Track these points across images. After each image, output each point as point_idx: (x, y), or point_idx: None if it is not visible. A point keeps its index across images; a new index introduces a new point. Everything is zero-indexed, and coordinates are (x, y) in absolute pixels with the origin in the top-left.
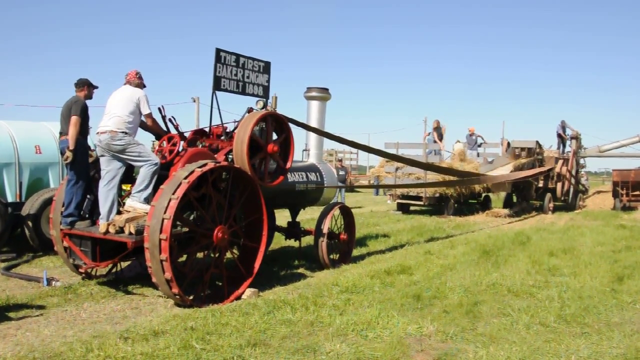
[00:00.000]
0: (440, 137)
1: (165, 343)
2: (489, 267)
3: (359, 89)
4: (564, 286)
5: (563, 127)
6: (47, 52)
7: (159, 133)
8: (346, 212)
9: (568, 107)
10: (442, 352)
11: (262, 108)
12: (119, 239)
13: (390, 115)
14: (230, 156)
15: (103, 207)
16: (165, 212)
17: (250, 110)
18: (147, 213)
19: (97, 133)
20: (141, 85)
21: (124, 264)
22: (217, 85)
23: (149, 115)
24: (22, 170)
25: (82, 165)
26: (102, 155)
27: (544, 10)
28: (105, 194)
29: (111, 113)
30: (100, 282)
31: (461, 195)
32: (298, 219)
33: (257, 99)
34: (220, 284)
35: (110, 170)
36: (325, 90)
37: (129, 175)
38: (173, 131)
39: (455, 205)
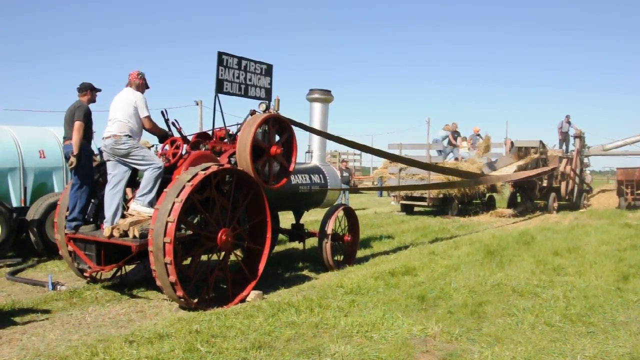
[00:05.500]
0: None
1: (170, 346)
2: (494, 267)
3: (362, 90)
4: (569, 285)
5: (568, 122)
6: (50, 56)
7: (160, 134)
8: (350, 214)
9: (572, 107)
10: (447, 352)
11: (265, 110)
12: (123, 243)
13: (394, 116)
14: (233, 159)
15: (108, 211)
16: (169, 215)
17: (253, 112)
18: (151, 216)
19: (103, 138)
20: (142, 85)
21: (129, 268)
22: (220, 88)
23: (147, 118)
24: (27, 175)
25: (86, 169)
26: (108, 160)
27: (548, 10)
28: (111, 197)
29: (113, 118)
30: (105, 285)
31: (465, 195)
32: (302, 220)
33: (260, 101)
34: (224, 286)
35: (116, 175)
36: (328, 92)
37: (133, 179)
38: (176, 134)
39: (459, 205)
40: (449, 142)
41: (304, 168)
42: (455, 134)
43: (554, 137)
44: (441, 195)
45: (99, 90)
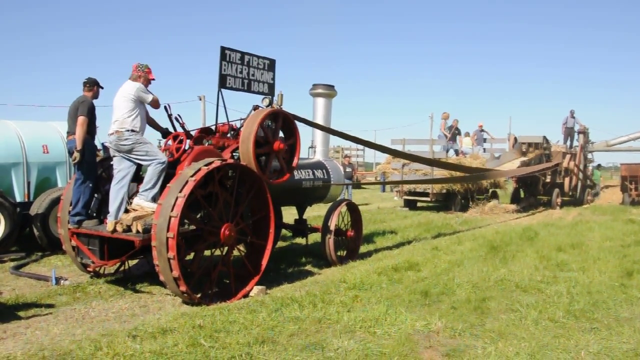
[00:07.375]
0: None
1: (174, 341)
2: (497, 263)
3: (365, 85)
4: (573, 281)
5: (572, 117)
6: (52, 51)
7: (161, 129)
8: (353, 209)
9: (575, 102)
10: (451, 348)
11: (268, 105)
12: (127, 238)
13: (397, 112)
14: (236, 154)
15: (112, 205)
16: (172, 210)
17: (256, 107)
18: (154, 211)
19: (108, 134)
20: (141, 78)
21: (132, 263)
22: (223, 83)
23: (153, 101)
24: (30, 170)
25: (90, 164)
26: (114, 156)
27: (551, 6)
28: (116, 192)
29: (115, 115)
30: (108, 280)
31: (468, 191)
32: (305, 216)
33: (263, 96)
34: (227, 281)
35: (121, 170)
36: (331, 87)
37: (137, 174)
38: (179, 129)
39: (462, 201)
40: (446, 137)
41: (307, 163)
42: (456, 130)
43: (557, 133)
44: (444, 191)
45: (102, 87)
